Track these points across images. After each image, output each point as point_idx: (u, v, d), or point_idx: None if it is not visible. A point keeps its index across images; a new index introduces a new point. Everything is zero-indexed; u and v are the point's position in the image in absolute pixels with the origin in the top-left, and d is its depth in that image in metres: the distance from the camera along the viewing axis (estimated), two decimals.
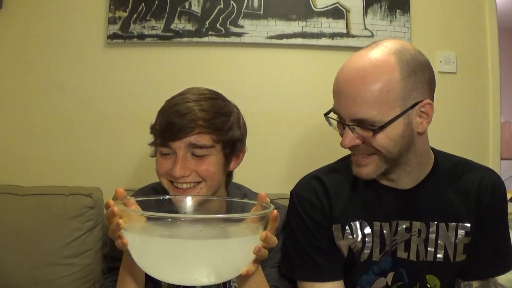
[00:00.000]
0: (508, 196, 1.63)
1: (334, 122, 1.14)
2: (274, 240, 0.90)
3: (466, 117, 1.94)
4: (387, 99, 1.02)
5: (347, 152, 1.16)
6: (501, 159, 1.95)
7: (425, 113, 1.07)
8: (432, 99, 1.08)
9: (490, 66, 1.94)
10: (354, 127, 1.05)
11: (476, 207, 1.15)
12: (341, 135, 1.10)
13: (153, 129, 1.17)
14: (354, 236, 1.17)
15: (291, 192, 1.26)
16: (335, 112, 1.11)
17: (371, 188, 1.18)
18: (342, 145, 1.08)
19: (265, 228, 0.87)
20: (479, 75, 1.95)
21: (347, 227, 1.17)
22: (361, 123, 1.04)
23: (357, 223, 1.17)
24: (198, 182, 1.14)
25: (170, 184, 1.15)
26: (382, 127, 1.03)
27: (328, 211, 1.18)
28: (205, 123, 1.12)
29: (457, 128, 1.91)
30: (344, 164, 1.24)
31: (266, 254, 0.88)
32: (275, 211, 0.88)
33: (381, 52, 1.05)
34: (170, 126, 1.11)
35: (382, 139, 1.04)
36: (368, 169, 1.10)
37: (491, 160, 1.93)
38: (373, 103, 1.02)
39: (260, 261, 0.96)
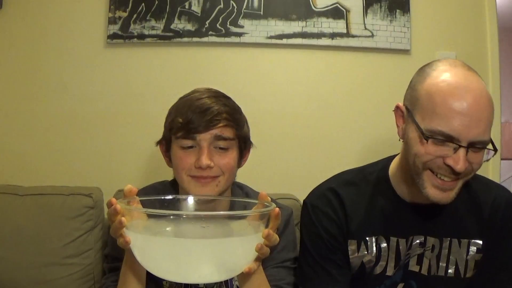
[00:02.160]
0: None
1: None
2: (276, 238, 0.90)
3: None
4: None
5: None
6: (501, 159, 1.95)
7: None
8: None
9: (490, 66, 1.94)
10: (468, 150, 1.00)
11: (489, 225, 1.16)
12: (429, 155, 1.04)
13: (173, 123, 1.18)
14: (369, 251, 1.17)
15: (305, 201, 1.26)
16: (444, 135, 1.01)
17: (390, 203, 1.17)
18: (458, 169, 1.00)
19: (266, 227, 0.88)
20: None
21: (362, 243, 1.17)
22: (480, 145, 1.01)
23: (373, 238, 1.17)
24: (217, 176, 1.17)
25: (191, 179, 1.17)
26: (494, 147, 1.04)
27: (344, 225, 1.18)
28: (229, 116, 1.17)
29: None
30: (361, 177, 1.23)
31: (267, 252, 0.89)
32: (277, 209, 0.89)
33: (475, 73, 1.07)
34: (195, 118, 1.14)
35: (480, 160, 1.03)
36: (453, 193, 1.06)
37: (491, 160, 1.92)
38: (490, 124, 1.02)
39: (261, 261, 0.96)
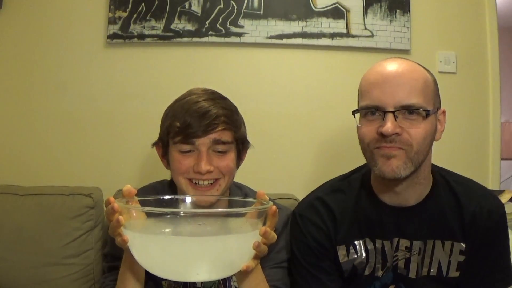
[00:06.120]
0: (508, 197, 1.63)
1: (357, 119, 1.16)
2: (273, 236, 0.90)
3: (466, 117, 1.93)
4: (428, 91, 1.10)
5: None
6: (501, 159, 1.95)
7: (441, 121, 1.14)
8: None
9: (490, 66, 1.94)
10: (398, 115, 1.07)
11: (470, 230, 1.17)
12: (364, 132, 1.13)
13: (170, 127, 1.17)
14: (358, 254, 1.19)
15: (293, 211, 1.28)
16: (368, 107, 1.11)
17: (372, 207, 1.20)
18: (385, 132, 1.06)
19: (264, 225, 0.88)
20: (479, 75, 1.95)
21: (351, 247, 1.19)
22: (409, 108, 1.07)
23: (361, 241, 1.19)
24: (217, 179, 1.16)
25: (189, 183, 1.16)
26: (428, 114, 1.08)
27: (332, 233, 1.20)
28: (227, 120, 1.16)
29: (457, 128, 1.90)
30: (346, 183, 1.26)
31: (265, 250, 0.89)
32: (274, 207, 0.89)
33: (409, 61, 1.14)
34: (194, 123, 1.13)
35: (420, 131, 1.07)
36: (397, 161, 1.07)
37: (491, 160, 1.93)
38: (420, 90, 1.08)
39: (260, 260, 0.96)
